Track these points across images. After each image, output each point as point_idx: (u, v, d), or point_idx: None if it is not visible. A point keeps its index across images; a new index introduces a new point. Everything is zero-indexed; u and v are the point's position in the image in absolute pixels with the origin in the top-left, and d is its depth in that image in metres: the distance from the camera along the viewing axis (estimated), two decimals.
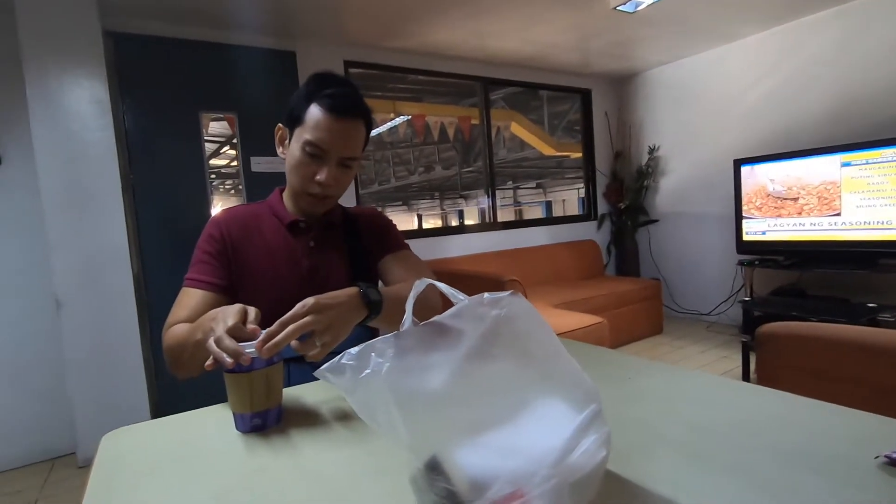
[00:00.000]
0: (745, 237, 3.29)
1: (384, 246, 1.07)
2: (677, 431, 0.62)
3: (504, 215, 4.41)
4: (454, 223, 4.83)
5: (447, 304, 0.51)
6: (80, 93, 2.16)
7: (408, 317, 0.54)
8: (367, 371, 0.37)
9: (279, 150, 1.00)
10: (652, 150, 4.15)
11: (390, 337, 0.39)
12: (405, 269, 1.04)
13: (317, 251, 1.02)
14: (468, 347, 0.41)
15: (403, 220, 5.45)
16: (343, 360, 0.38)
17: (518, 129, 4.24)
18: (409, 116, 3.68)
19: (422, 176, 4.25)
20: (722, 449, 0.56)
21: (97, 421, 2.17)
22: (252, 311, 0.70)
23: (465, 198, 4.17)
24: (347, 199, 3.13)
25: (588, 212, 4.47)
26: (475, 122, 3.87)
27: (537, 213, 5.46)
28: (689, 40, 3.51)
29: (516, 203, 4.96)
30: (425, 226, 4.96)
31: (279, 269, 0.98)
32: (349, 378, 0.38)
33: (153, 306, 2.44)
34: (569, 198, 5.00)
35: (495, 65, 3.72)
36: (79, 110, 2.16)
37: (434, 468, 0.38)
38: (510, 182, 4.61)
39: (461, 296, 0.51)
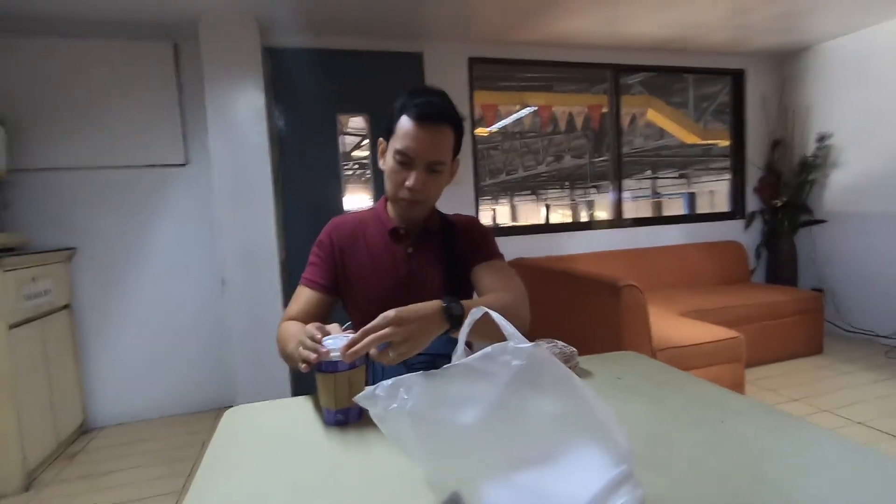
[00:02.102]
0: None
1: (478, 255, 1.09)
2: (762, 496, 0.55)
3: (638, 207, 4.10)
4: (584, 214, 4.64)
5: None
6: (245, 103, 2.54)
7: (460, 345, 0.56)
8: (394, 405, 0.41)
9: (380, 163, 1.06)
10: (822, 139, 3.52)
11: (419, 375, 0.42)
12: (495, 279, 1.05)
13: (414, 257, 1.08)
14: (497, 391, 0.42)
15: (531, 211, 5.39)
16: (376, 391, 0.42)
17: (655, 116, 3.91)
18: (536, 108, 3.61)
19: (550, 166, 4.15)
20: None
21: (250, 380, 2.57)
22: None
23: (597, 188, 3.97)
24: (466, 192, 3.18)
25: (734, 209, 3.96)
26: (605, 110, 3.66)
27: (678, 205, 5.00)
28: (877, 3, 2.89)
29: (655, 194, 4.58)
30: (553, 216, 4.85)
31: (380, 274, 1.07)
32: (380, 408, 0.42)
33: (295, 288, 2.78)
34: (717, 189, 4.48)
35: (627, 50, 3.46)
36: (242, 118, 2.54)
37: None
38: (648, 171, 4.28)
39: (510, 329, 0.52)
